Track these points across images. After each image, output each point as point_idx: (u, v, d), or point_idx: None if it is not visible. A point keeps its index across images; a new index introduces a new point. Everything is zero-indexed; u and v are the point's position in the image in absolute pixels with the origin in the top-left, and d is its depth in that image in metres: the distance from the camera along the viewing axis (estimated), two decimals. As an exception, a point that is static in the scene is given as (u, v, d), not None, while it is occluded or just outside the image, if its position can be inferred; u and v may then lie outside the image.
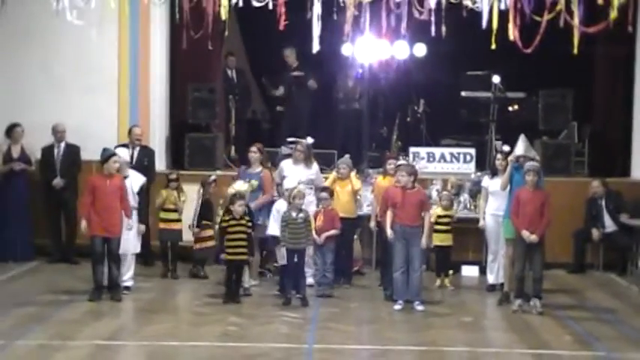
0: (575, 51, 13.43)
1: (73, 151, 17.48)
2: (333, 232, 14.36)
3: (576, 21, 13.28)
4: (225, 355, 10.89)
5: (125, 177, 14.26)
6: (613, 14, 13.27)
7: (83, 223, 13.75)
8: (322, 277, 14.51)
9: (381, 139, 21.51)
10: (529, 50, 13.64)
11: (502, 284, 14.87)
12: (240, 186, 14.36)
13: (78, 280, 15.27)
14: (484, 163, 18.75)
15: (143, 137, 17.52)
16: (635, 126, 18.75)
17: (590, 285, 16.33)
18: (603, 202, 17.15)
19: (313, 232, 14.10)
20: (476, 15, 13.60)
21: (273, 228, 14.30)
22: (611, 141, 19.47)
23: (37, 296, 14.24)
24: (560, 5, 13.26)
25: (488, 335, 12.65)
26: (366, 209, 16.00)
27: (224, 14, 14.12)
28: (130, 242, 14.42)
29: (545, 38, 13.50)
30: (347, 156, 15.62)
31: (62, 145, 17.45)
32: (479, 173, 17.64)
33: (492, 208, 14.94)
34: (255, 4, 14.11)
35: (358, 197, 15.76)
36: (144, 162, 17.13)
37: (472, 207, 16.95)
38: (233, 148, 20.00)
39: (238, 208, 13.36)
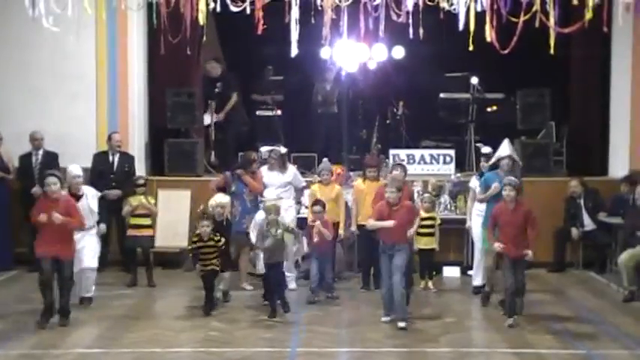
0: (552, 51, 13.47)
1: (51, 158, 17.35)
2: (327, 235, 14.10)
3: (552, 22, 13.30)
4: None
5: (80, 196, 13.50)
6: (588, 15, 13.31)
7: (42, 217, 12.26)
8: (321, 283, 14.32)
9: (360, 142, 21.54)
10: (506, 51, 13.66)
11: (477, 288, 15.10)
12: (220, 198, 14.01)
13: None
14: (464, 164, 18.83)
15: (123, 143, 17.56)
16: (612, 125, 18.85)
17: (570, 283, 16.39)
18: (582, 201, 17.22)
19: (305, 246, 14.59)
20: (453, 17, 13.61)
21: (254, 238, 13.75)
22: (588, 140, 19.54)
23: (16, 305, 14.18)
24: (536, 6, 13.29)
25: (471, 335, 12.71)
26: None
27: (202, 19, 14.10)
28: (86, 257, 13.68)
29: (522, 39, 13.53)
30: (325, 159, 15.62)
31: (40, 152, 17.41)
32: (459, 174, 17.70)
33: (479, 209, 14.87)
34: (233, 9, 14.10)
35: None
36: (124, 168, 17.25)
37: (453, 208, 16.99)
38: (213, 153, 19.95)
39: (202, 229, 13.13)
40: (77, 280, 13.41)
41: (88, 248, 13.67)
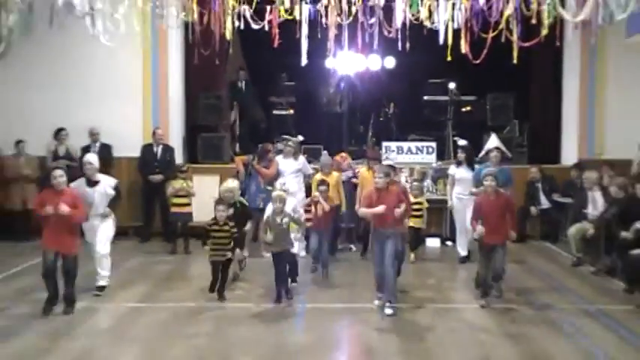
0: (515, 61, 13.57)
1: (106, 149, 17.47)
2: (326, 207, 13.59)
3: (515, 37, 13.40)
4: (234, 313, 11.03)
5: (96, 182, 12.05)
6: (544, 31, 13.42)
7: (48, 208, 10.58)
8: (319, 256, 13.83)
9: (358, 136, 21.69)
10: (478, 61, 13.76)
11: (463, 257, 15.15)
12: (229, 184, 12.80)
13: (118, 254, 15.37)
14: (443, 155, 18.88)
15: (164, 137, 17.64)
16: (564, 122, 18.93)
17: (529, 252, 16.39)
18: (539, 185, 17.29)
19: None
20: (434, 33, 13.72)
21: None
22: (545, 134, 19.54)
23: (80, 269, 14.31)
24: (502, 25, 13.41)
25: (449, 295, 12.77)
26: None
27: (228, 35, 14.23)
28: (98, 243, 12.22)
29: (490, 51, 13.64)
30: (325, 153, 15.61)
31: (97, 144, 17.48)
32: (440, 162, 17.74)
33: (457, 192, 15.05)
34: (254, 27, 14.24)
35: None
36: (166, 157, 17.37)
37: (434, 190, 17.08)
38: (237, 144, 20.12)
39: (218, 214, 11.72)
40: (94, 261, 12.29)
41: (101, 234, 12.21)
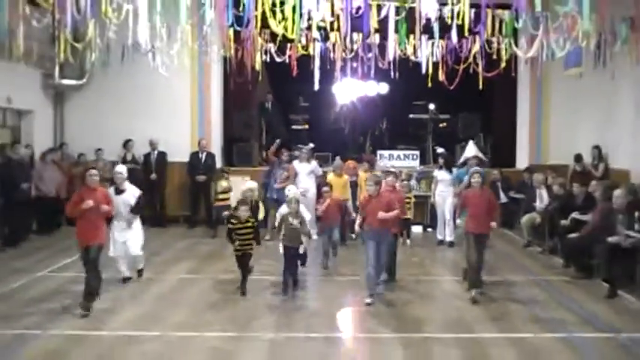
0: (481, 87, 13.68)
1: (162, 156, 17.59)
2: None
3: (480, 69, 13.50)
4: (262, 284, 10.96)
5: (122, 191, 10.95)
6: (503, 65, 13.53)
7: (88, 202, 9.44)
8: (327, 254, 12.74)
9: (358, 146, 21.73)
10: (452, 87, 13.88)
11: (450, 242, 14.98)
12: (250, 184, 12.59)
13: (171, 237, 15.53)
14: (425, 160, 18.89)
15: (207, 146, 17.65)
16: (518, 135, 18.91)
17: (492, 237, 16.25)
18: (499, 184, 17.20)
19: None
20: (418, 65, 13.81)
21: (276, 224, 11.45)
22: (503, 145, 19.49)
23: (145, 248, 14.37)
24: (470, 59, 13.52)
25: (429, 270, 12.75)
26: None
27: (258, 66, 14.33)
28: (132, 246, 11.17)
29: (461, 80, 13.76)
30: (338, 158, 15.64)
31: (156, 152, 17.56)
32: (422, 166, 17.75)
33: (439, 190, 15.15)
34: (278, 60, 14.36)
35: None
36: (209, 162, 17.37)
37: (418, 188, 17.08)
38: (264, 152, 20.19)
39: (241, 213, 10.49)
40: (123, 262, 11.18)
41: (133, 240, 11.13)
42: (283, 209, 11.49)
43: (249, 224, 10.58)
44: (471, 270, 10.42)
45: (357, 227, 10.77)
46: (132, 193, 11.03)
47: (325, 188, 13.17)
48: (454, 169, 15.32)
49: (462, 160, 12.82)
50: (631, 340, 8.37)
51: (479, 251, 10.39)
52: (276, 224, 11.26)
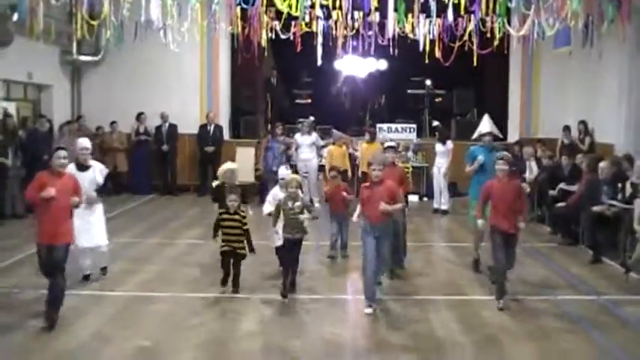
0: (475, 64, 13.68)
1: (173, 128, 17.58)
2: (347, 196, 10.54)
3: (475, 46, 13.49)
4: (267, 251, 10.54)
5: (87, 167, 8.87)
6: (496, 42, 13.51)
7: (50, 190, 7.21)
8: (336, 243, 10.73)
9: (359, 119, 21.72)
10: (447, 64, 13.87)
11: (444, 211, 15.04)
12: (228, 165, 9.90)
13: (181, 205, 15.55)
14: (421, 133, 18.88)
15: (215, 119, 17.69)
16: (510, 110, 18.79)
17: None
18: (491, 156, 17.35)
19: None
20: (416, 42, 13.81)
21: (268, 209, 9.35)
22: (496, 119, 19.30)
23: (155, 214, 14.54)
24: (465, 37, 13.50)
25: (423, 236, 12.77)
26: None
27: (263, 43, 14.32)
28: (98, 236, 9.11)
29: (457, 56, 13.74)
30: (335, 131, 15.71)
31: (167, 124, 17.54)
32: (418, 139, 17.75)
33: (436, 163, 15.36)
34: (282, 37, 14.35)
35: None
36: (217, 134, 17.43)
37: (414, 159, 17.07)
38: (273, 125, 20.23)
39: (229, 203, 8.58)
40: (86, 255, 9.01)
41: (97, 227, 9.11)
42: (277, 192, 9.44)
43: (237, 217, 8.58)
44: (498, 275, 8.29)
45: (355, 217, 8.74)
46: (98, 170, 9.08)
47: (332, 173, 11.02)
48: (448, 141, 15.39)
49: (475, 135, 10.78)
50: (611, 302, 8.46)
51: (508, 253, 8.22)
52: (271, 211, 9.06)
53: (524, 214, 8.49)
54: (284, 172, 9.61)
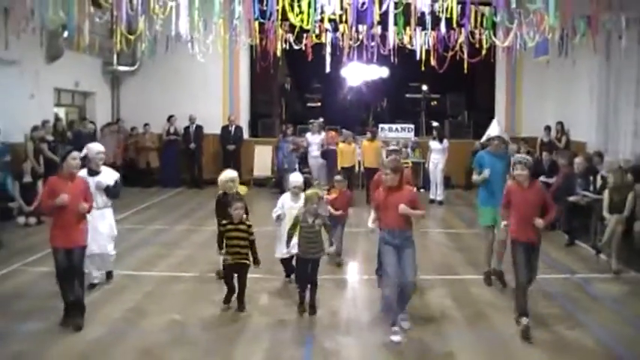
0: (466, 71, 13.67)
1: (199, 129, 17.53)
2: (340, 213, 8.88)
3: (465, 55, 13.47)
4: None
5: (97, 172, 7.76)
6: (484, 52, 13.49)
7: (64, 197, 6.45)
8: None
9: (363, 120, 21.70)
10: (441, 71, 13.86)
11: (440, 201, 14.89)
12: (229, 174, 8.05)
13: (206, 197, 15.52)
14: (419, 133, 18.84)
15: (236, 120, 17.64)
16: (496, 111, 18.57)
17: (473, 196, 15.99)
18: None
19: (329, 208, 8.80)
20: (413, 52, 13.79)
21: (277, 213, 8.01)
22: (484, 120, 19.22)
23: (184, 205, 14.56)
24: (456, 47, 13.50)
25: (421, 223, 12.68)
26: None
27: (279, 53, 14.34)
28: (105, 243, 7.90)
29: (450, 64, 13.73)
30: (345, 130, 15.59)
31: (194, 125, 17.50)
32: (416, 138, 17.68)
33: (432, 159, 15.29)
34: (295, 47, 14.36)
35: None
36: (237, 134, 17.36)
37: (412, 155, 16.99)
38: (284, 126, 20.24)
39: (234, 212, 7.14)
40: (94, 261, 7.84)
41: (105, 234, 7.93)
42: (287, 199, 8.06)
43: (243, 227, 7.21)
44: (519, 291, 6.64)
45: (370, 223, 7.00)
46: (108, 176, 7.93)
47: (337, 177, 9.35)
48: (445, 140, 15.44)
49: (483, 139, 9.12)
50: (583, 279, 8.51)
51: (530, 265, 6.68)
52: (279, 214, 7.95)
53: (549, 217, 6.74)
54: (296, 178, 8.19)
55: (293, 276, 7.89)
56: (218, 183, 8.01)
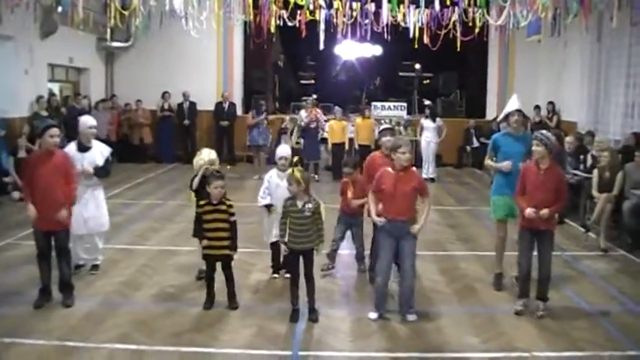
0: (458, 49, 13.65)
1: (193, 105, 17.50)
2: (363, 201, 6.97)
3: (458, 34, 13.42)
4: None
5: (88, 148, 7.18)
6: (476, 30, 13.45)
7: (30, 209, 6.14)
8: (336, 250, 7.66)
9: (356, 98, 21.67)
10: (434, 49, 13.83)
11: (432, 179, 14.70)
12: (208, 155, 7.10)
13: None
14: (411, 111, 18.84)
15: (230, 97, 17.61)
16: (488, 90, 18.64)
17: (464, 174, 16.48)
18: (473, 131, 17.30)
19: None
20: (406, 29, 13.72)
21: (264, 199, 7.11)
22: (476, 99, 19.43)
23: (177, 180, 14.41)
24: (450, 25, 13.44)
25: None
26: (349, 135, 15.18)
27: (272, 29, 14.24)
28: (99, 220, 7.42)
29: (443, 43, 13.68)
30: (337, 108, 15.58)
31: (188, 102, 17.46)
32: (408, 116, 17.62)
33: (424, 136, 15.21)
34: (289, 24, 14.28)
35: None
36: (231, 110, 17.32)
37: (404, 134, 16.95)
38: (277, 102, 20.20)
39: (215, 190, 6.11)
40: (82, 242, 7.43)
41: (96, 214, 7.35)
42: (273, 175, 7.13)
43: (223, 207, 6.20)
44: (520, 276, 6.43)
45: (374, 216, 6.10)
46: (99, 150, 7.32)
47: (346, 169, 7.58)
48: (438, 119, 15.44)
49: (501, 116, 7.60)
50: (572, 257, 8.59)
51: (542, 256, 6.24)
52: (268, 205, 7.08)
53: (557, 205, 6.12)
54: (284, 150, 7.33)
55: (282, 272, 7.24)
56: (194, 166, 7.07)
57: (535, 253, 6.33)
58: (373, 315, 6.14)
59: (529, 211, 6.05)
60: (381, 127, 8.02)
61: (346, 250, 8.00)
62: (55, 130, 6.29)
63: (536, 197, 6.10)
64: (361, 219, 7.48)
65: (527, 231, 6.24)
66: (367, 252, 7.53)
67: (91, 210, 7.33)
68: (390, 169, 6.08)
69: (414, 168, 6.26)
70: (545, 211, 6.00)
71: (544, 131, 6.34)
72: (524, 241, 6.29)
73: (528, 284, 6.42)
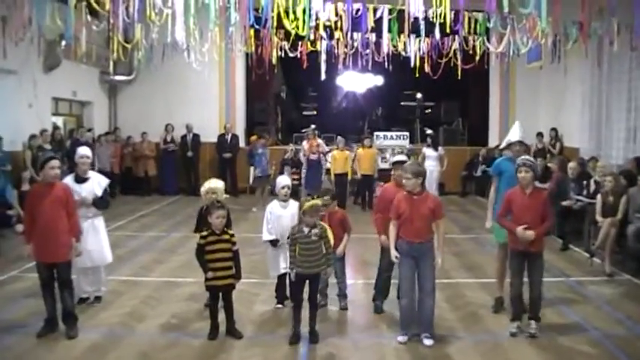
0: (459, 78, 13.75)
1: (196, 137, 17.64)
2: (344, 240, 7.04)
3: (459, 62, 13.54)
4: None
5: (85, 179, 7.20)
6: (477, 58, 13.56)
7: (27, 248, 6.31)
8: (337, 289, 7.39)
9: (358, 128, 21.70)
10: (435, 77, 13.92)
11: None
12: (213, 183, 7.21)
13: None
14: (413, 140, 18.90)
15: (232, 128, 17.75)
16: (490, 119, 18.82)
17: (469, 202, 16.49)
18: (480, 159, 17.34)
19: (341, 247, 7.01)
20: (407, 59, 13.83)
21: (268, 235, 7.07)
22: (478, 127, 19.48)
23: (181, 212, 14.47)
24: (450, 54, 13.56)
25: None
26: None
27: (274, 61, 14.36)
28: (102, 253, 7.46)
29: (443, 71, 13.79)
30: (339, 137, 15.59)
31: (191, 134, 17.61)
32: (410, 145, 17.71)
33: (427, 166, 14.82)
34: (291, 55, 14.39)
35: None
36: (233, 142, 17.46)
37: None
38: (279, 134, 20.28)
39: (216, 220, 6.16)
40: (86, 275, 7.43)
41: (101, 245, 7.44)
42: (275, 206, 7.14)
43: (226, 237, 6.24)
44: (513, 300, 6.52)
45: (393, 250, 6.26)
46: (97, 181, 7.33)
47: (326, 197, 7.06)
48: (439, 148, 15.51)
49: (503, 144, 8.20)
50: (578, 282, 8.56)
51: (532, 278, 6.38)
52: (273, 240, 7.05)
53: (544, 227, 6.30)
54: (284, 180, 7.40)
55: (287, 302, 7.16)
56: (202, 194, 7.14)
57: (525, 278, 6.44)
58: (402, 338, 6.22)
59: (519, 229, 6.23)
60: (394, 159, 7.57)
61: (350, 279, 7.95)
62: (55, 162, 6.32)
63: (523, 220, 6.28)
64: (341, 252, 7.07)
65: (518, 254, 6.40)
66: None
67: (93, 242, 7.31)
68: (405, 192, 6.24)
69: (429, 192, 6.43)
70: (531, 233, 6.18)
71: (529, 157, 6.60)
72: (515, 264, 6.46)
73: (521, 306, 6.52)
